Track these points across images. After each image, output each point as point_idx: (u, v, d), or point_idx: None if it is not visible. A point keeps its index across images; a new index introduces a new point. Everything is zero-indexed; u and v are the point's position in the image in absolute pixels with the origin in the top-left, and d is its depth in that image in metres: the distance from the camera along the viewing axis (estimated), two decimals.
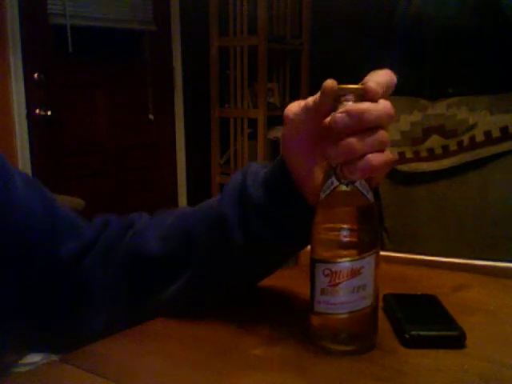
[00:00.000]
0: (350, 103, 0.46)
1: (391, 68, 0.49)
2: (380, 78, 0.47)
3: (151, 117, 3.26)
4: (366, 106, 0.45)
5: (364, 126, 0.45)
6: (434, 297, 0.59)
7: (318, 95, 0.48)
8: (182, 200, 3.47)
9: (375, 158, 0.46)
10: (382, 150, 0.46)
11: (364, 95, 0.46)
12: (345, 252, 0.48)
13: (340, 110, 0.46)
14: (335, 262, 0.47)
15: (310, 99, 0.49)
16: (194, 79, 3.39)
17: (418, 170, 2.67)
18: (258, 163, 0.58)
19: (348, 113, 0.45)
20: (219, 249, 0.56)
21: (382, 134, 0.46)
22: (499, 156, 2.54)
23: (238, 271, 0.58)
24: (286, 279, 0.64)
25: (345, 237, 0.48)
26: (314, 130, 0.51)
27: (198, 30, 3.29)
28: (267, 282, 0.62)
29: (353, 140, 0.45)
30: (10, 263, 0.58)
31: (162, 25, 3.24)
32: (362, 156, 0.45)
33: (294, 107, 0.51)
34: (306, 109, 0.50)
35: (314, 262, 0.49)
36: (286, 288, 0.65)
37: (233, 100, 3.29)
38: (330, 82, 0.47)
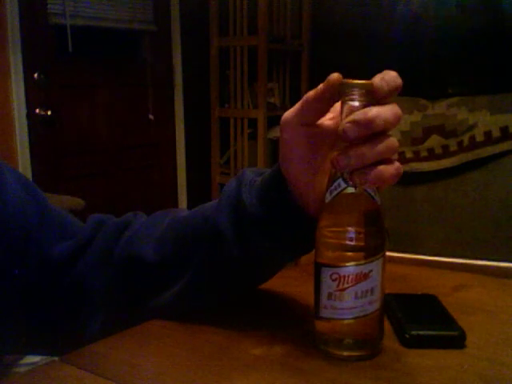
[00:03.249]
0: (356, 103, 0.45)
1: (391, 68, 0.48)
2: (386, 75, 0.46)
3: (151, 117, 3.26)
4: (373, 112, 0.44)
5: (373, 132, 0.45)
6: (434, 297, 0.59)
7: (318, 87, 0.48)
8: (182, 200, 3.47)
9: (386, 171, 0.45)
10: (391, 157, 0.46)
11: (369, 91, 0.45)
12: (353, 255, 0.47)
13: (347, 119, 0.45)
14: (344, 266, 0.46)
15: (310, 92, 0.49)
16: (194, 79, 3.39)
17: (418, 169, 2.68)
18: (253, 170, 0.57)
19: (356, 123, 0.44)
20: (216, 259, 0.55)
21: (392, 141, 0.46)
22: (499, 156, 2.54)
23: (235, 279, 0.57)
24: (285, 279, 0.64)
25: (353, 240, 0.47)
26: (312, 134, 0.50)
27: (198, 30, 3.29)
28: (267, 282, 0.61)
29: (363, 149, 0.45)
30: (5, 262, 0.58)
31: (162, 25, 3.23)
32: (373, 163, 0.45)
33: (289, 112, 0.51)
34: (305, 101, 0.49)
35: (320, 266, 0.48)
36: (286, 288, 0.65)
37: (233, 100, 3.29)
38: (335, 75, 0.47)
